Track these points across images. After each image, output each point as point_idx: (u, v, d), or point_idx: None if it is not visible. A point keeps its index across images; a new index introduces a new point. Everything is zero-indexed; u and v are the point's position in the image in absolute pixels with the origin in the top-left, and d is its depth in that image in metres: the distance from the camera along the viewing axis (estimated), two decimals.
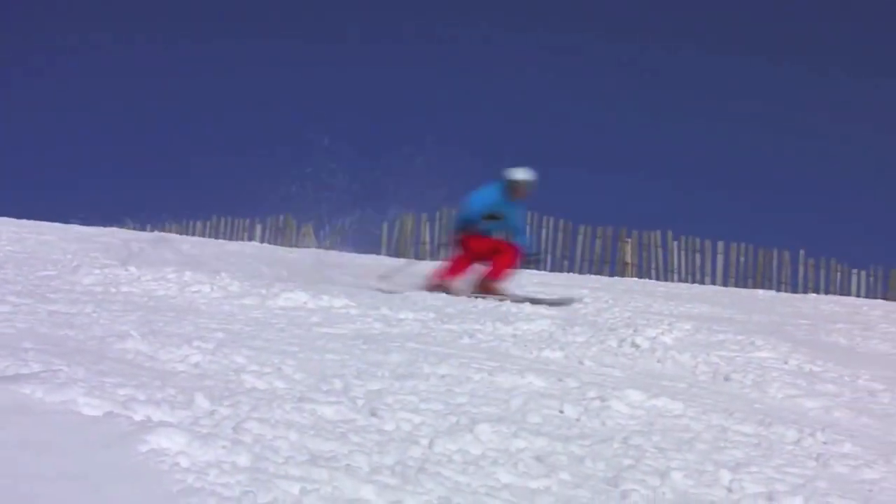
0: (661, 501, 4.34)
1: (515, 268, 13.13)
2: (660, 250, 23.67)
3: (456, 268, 13.00)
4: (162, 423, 4.18)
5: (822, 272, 23.46)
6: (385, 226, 24.05)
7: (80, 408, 4.29)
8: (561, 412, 5.73)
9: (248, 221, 25.94)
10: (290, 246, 22.49)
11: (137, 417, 4.28)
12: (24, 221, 19.15)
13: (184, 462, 3.76)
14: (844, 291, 22.83)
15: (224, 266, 12.24)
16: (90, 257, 12.36)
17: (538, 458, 4.70)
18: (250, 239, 24.94)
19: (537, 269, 19.34)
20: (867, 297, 22.17)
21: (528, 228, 13.26)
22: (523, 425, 5.24)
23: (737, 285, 22.68)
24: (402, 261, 17.94)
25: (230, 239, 24.45)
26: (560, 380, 6.56)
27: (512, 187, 12.91)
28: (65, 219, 20.38)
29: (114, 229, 20.96)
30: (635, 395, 6.21)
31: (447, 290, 12.42)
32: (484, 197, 12.98)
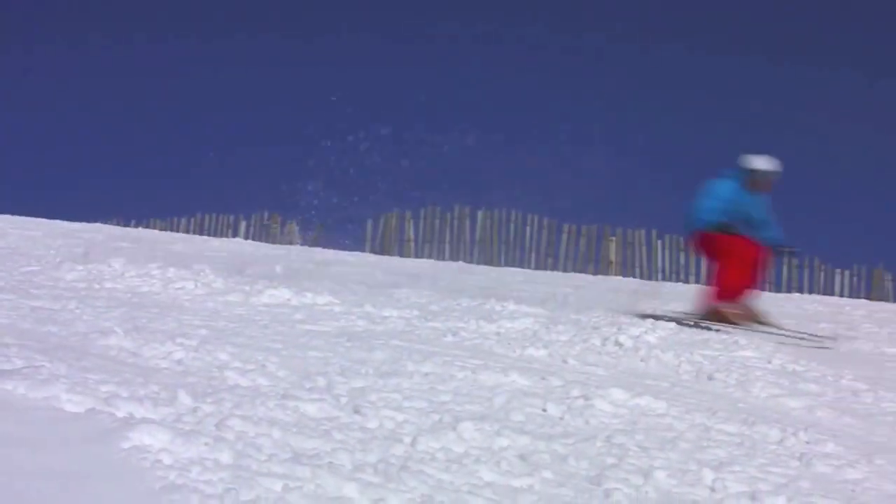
0: (644, 500, 4.34)
1: (761, 274, 11.51)
2: (644, 248, 23.72)
3: (729, 283, 11.11)
4: (144, 420, 4.17)
5: (806, 272, 23.51)
6: (369, 223, 24.06)
7: (62, 404, 4.28)
8: (544, 411, 5.73)
9: (232, 218, 25.93)
10: (275, 243, 22.47)
11: (120, 414, 4.27)
12: (8, 217, 19.11)
13: (166, 459, 3.75)
14: (828, 291, 22.87)
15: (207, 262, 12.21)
16: (73, 253, 12.33)
17: (521, 457, 4.70)
18: (234, 235, 24.92)
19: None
20: (850, 296, 22.22)
21: (773, 219, 11.48)
22: (506, 423, 5.24)
23: None
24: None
25: (214, 235, 24.42)
26: (543, 378, 6.56)
27: (752, 179, 11.30)
28: (49, 214, 20.36)
29: (98, 225, 20.93)
30: (619, 394, 6.21)
31: (731, 320, 10.87)
32: (721, 191, 11.31)
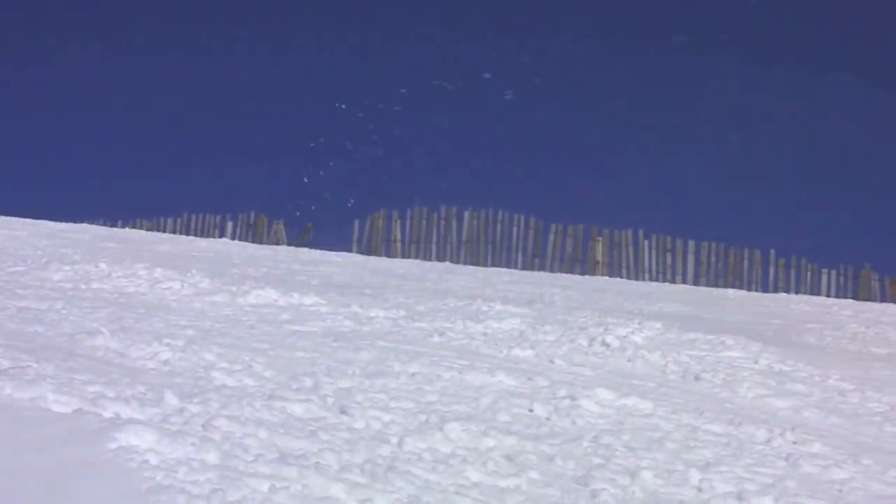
0: (630, 500, 4.35)
1: None
2: (631, 249, 23.73)
3: None
4: (131, 421, 4.16)
5: (793, 272, 23.52)
6: (356, 223, 24.04)
7: (49, 404, 4.27)
8: (531, 411, 5.73)
9: (218, 218, 25.89)
10: (262, 243, 22.45)
11: (107, 414, 4.26)
12: None
13: (153, 459, 3.75)
14: (815, 291, 22.88)
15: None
16: (60, 253, 12.30)
17: (508, 457, 4.70)
18: (221, 236, 24.89)
19: None
20: (837, 296, 22.24)
21: None
22: (493, 424, 5.24)
23: (708, 285, 22.74)
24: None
25: (201, 236, 24.39)
26: (530, 378, 6.56)
27: None
28: (34, 215, 20.29)
29: (84, 225, 20.87)
30: (605, 394, 6.22)
31: None
32: None
